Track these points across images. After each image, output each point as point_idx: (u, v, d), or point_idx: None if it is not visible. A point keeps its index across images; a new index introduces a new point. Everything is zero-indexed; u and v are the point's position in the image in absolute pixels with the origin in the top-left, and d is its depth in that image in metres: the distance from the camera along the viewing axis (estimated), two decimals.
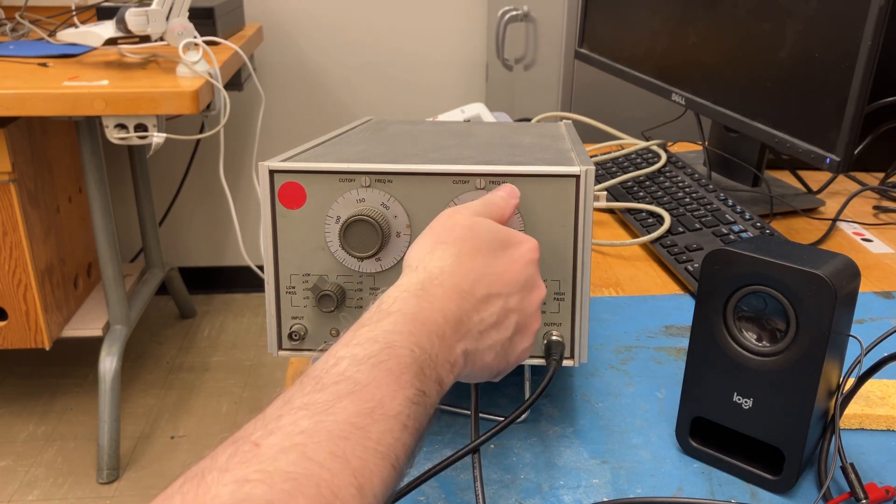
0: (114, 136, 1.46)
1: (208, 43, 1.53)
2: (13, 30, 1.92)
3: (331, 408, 0.35)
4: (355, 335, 0.40)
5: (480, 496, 0.49)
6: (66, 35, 1.55)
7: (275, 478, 0.31)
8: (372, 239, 0.54)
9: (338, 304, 0.56)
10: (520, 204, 0.55)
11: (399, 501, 0.51)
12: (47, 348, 1.75)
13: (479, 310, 0.46)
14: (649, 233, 0.95)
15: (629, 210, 1.02)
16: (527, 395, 0.63)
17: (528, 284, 0.50)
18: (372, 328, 0.41)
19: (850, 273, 0.53)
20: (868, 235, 1.02)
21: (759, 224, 0.93)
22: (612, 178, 1.11)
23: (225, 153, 1.92)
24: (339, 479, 0.32)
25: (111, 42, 1.54)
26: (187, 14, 1.52)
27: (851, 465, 0.52)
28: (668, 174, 1.09)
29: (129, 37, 1.53)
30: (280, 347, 0.59)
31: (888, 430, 0.62)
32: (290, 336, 0.58)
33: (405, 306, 0.43)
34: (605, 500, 0.54)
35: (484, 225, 0.50)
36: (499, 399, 0.65)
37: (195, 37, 1.50)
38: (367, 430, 0.35)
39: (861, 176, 1.24)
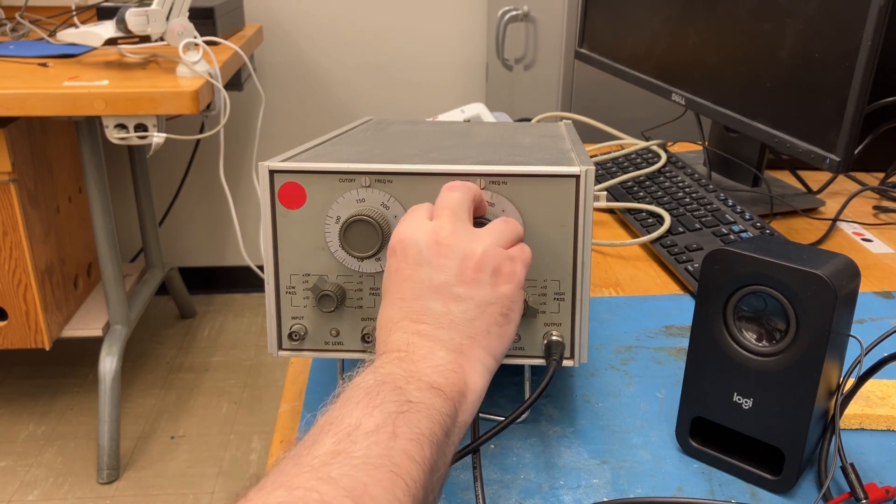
0: (114, 136, 1.46)
1: (208, 43, 1.53)
2: (13, 30, 1.92)
3: (309, 451, 0.35)
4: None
5: (480, 496, 0.49)
6: (66, 35, 1.55)
7: None
8: (372, 239, 0.54)
9: (338, 304, 0.56)
10: (520, 204, 0.55)
11: None
12: (47, 348, 1.75)
13: (448, 304, 0.46)
14: (649, 233, 0.95)
15: (629, 210, 1.02)
16: (527, 395, 0.63)
17: (462, 259, 0.47)
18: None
19: (850, 273, 0.53)
20: (868, 235, 1.02)
21: (759, 224, 0.93)
22: (612, 178, 1.11)
23: (225, 153, 1.92)
24: (330, 497, 0.32)
25: (111, 42, 1.54)
26: (187, 14, 1.52)
27: (851, 465, 0.52)
28: (668, 174, 1.09)
29: (129, 37, 1.53)
30: (280, 347, 0.59)
31: (888, 430, 0.62)
32: (290, 336, 0.58)
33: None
34: (605, 500, 0.54)
35: (410, 245, 0.48)
36: (499, 399, 0.65)
37: (195, 37, 1.50)
38: (348, 452, 0.35)
39: (861, 176, 1.24)
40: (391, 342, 0.45)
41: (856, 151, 0.81)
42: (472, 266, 0.47)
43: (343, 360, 0.64)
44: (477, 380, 0.45)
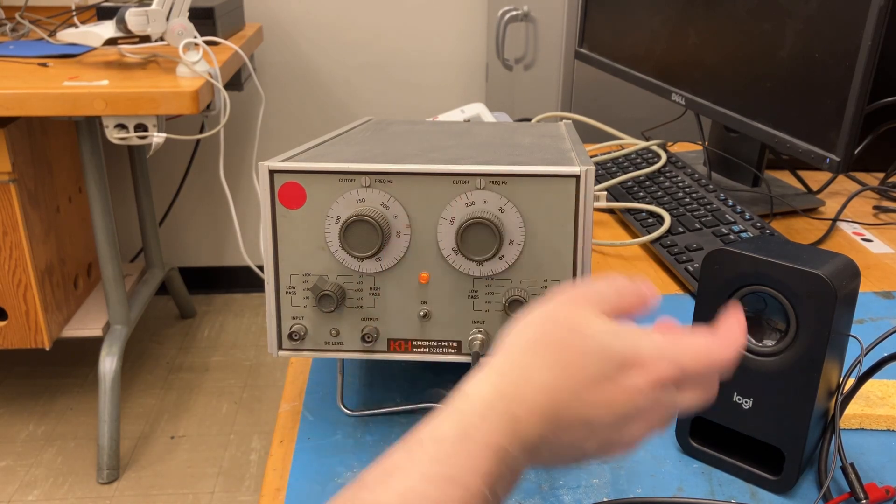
0: (114, 136, 1.46)
1: (208, 43, 1.53)
2: (13, 30, 1.92)
3: None
4: (427, 455, 0.35)
5: None
6: (66, 35, 1.55)
7: None
8: (372, 239, 0.54)
9: (338, 304, 0.56)
10: (520, 204, 0.55)
11: None
12: (47, 348, 1.75)
13: (559, 434, 0.38)
14: (649, 233, 0.95)
15: (629, 210, 1.02)
16: None
17: (629, 416, 0.39)
18: (447, 466, 0.35)
19: (850, 273, 0.53)
20: (868, 235, 1.02)
21: (759, 224, 0.93)
22: (612, 178, 1.11)
23: (225, 153, 1.92)
24: None
25: (111, 42, 1.54)
26: (187, 14, 1.52)
27: (851, 465, 0.52)
28: (668, 174, 1.09)
29: (129, 37, 1.53)
30: (280, 347, 0.59)
31: (888, 430, 0.62)
32: (290, 336, 0.58)
33: (490, 436, 0.36)
34: (605, 500, 0.54)
35: (597, 337, 0.39)
36: None
37: (195, 37, 1.50)
38: None
39: (861, 176, 1.24)
40: (535, 412, 0.37)
41: (856, 151, 0.81)
42: (632, 432, 0.40)
43: (343, 359, 0.64)
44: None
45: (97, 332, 1.85)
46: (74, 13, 1.86)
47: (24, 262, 1.65)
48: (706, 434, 0.58)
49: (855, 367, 0.56)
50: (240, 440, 1.93)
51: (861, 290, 0.65)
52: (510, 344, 0.40)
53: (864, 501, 0.50)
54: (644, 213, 1.00)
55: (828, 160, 0.82)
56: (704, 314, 0.55)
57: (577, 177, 0.54)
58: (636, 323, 0.44)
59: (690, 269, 0.86)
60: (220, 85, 1.53)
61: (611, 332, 0.40)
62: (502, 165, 0.55)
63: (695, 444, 0.58)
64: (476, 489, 0.34)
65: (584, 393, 0.38)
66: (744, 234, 0.91)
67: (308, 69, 2.40)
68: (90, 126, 1.63)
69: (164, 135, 1.47)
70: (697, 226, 0.94)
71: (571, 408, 0.38)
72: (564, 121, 0.89)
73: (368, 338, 0.58)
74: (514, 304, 0.56)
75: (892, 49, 0.80)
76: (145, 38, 1.56)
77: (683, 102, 1.09)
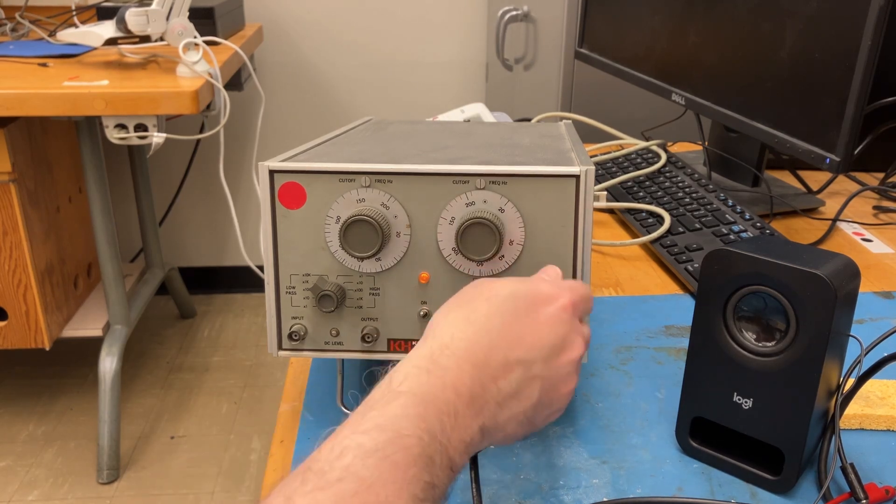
0: (114, 136, 1.46)
1: (208, 43, 1.53)
2: (13, 30, 1.92)
3: (331, 489, 0.34)
4: (363, 419, 0.39)
5: (477, 498, 0.49)
6: (66, 35, 1.55)
7: None
8: (372, 239, 0.54)
9: (338, 304, 0.56)
10: (520, 204, 0.55)
11: None
12: (47, 348, 1.75)
13: (496, 379, 0.43)
14: (649, 233, 0.95)
15: (629, 210, 1.02)
16: None
17: (556, 346, 0.46)
18: (380, 413, 0.39)
19: (850, 273, 0.53)
20: (868, 235, 1.02)
21: (759, 224, 0.93)
22: (612, 178, 1.11)
23: (225, 153, 1.92)
24: None
25: (111, 42, 1.54)
26: (187, 14, 1.52)
27: (851, 465, 0.52)
28: (668, 174, 1.09)
29: (129, 37, 1.53)
30: (280, 347, 0.59)
31: (888, 430, 0.62)
32: (290, 336, 0.58)
33: (415, 384, 0.40)
34: (605, 500, 0.54)
35: (504, 285, 0.47)
36: None
37: (195, 37, 1.50)
38: None
39: (861, 176, 1.24)
40: (465, 363, 0.42)
41: (856, 151, 0.81)
42: (565, 360, 0.46)
43: (343, 360, 0.64)
44: (465, 462, 0.43)
45: (97, 332, 1.85)
46: (74, 13, 1.86)
47: (24, 262, 1.65)
48: (706, 434, 0.58)
49: (855, 367, 0.56)
50: (240, 440, 1.93)
51: (861, 290, 0.65)
52: (434, 320, 0.46)
53: (864, 501, 0.50)
54: (644, 213, 1.00)
55: (828, 160, 0.82)
56: (704, 314, 0.55)
57: (577, 177, 0.54)
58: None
59: (690, 269, 0.86)
60: (220, 85, 1.53)
61: (513, 283, 0.47)
62: (502, 165, 0.55)
63: (695, 444, 0.58)
64: (409, 432, 0.37)
65: (507, 334, 0.44)
66: (744, 234, 0.91)
67: (308, 69, 2.40)
68: (90, 126, 1.63)
69: (164, 135, 1.47)
70: (697, 226, 0.94)
71: (499, 349, 0.43)
72: (564, 121, 0.89)
73: (368, 338, 0.58)
74: None
75: (892, 49, 0.80)
76: (145, 38, 1.56)
77: (683, 102, 1.09)
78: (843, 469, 0.52)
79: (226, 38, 1.76)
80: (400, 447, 0.37)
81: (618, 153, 1.19)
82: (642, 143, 1.21)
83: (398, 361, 0.44)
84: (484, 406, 0.42)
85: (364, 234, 0.54)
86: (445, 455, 0.39)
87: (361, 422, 0.38)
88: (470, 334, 0.44)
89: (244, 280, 2.53)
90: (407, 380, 0.41)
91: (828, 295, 0.49)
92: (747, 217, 0.94)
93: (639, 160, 1.16)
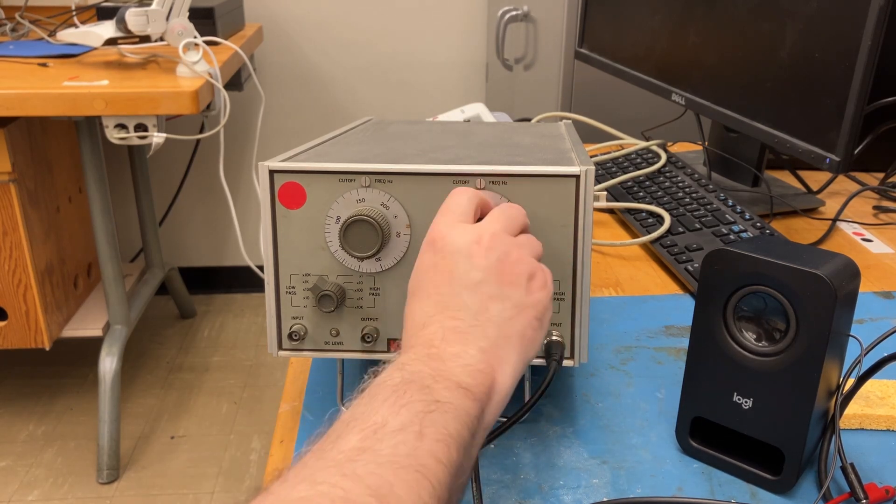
0: (114, 136, 1.46)
1: (208, 43, 1.53)
2: (13, 30, 1.92)
3: (334, 446, 0.35)
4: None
5: (477, 498, 0.49)
6: (66, 35, 1.55)
7: None
8: (372, 239, 0.54)
9: (338, 304, 0.56)
10: (520, 204, 0.54)
11: None
12: (47, 348, 1.75)
13: (486, 302, 0.46)
14: (649, 233, 0.95)
15: (629, 210, 1.02)
16: (527, 395, 0.63)
17: (501, 260, 0.48)
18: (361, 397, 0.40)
19: (850, 273, 0.53)
20: (868, 235, 1.02)
21: (759, 224, 0.93)
22: (612, 178, 1.11)
23: (225, 153, 1.92)
24: (353, 494, 0.32)
25: (111, 42, 1.54)
26: (187, 14, 1.52)
27: (851, 465, 0.52)
28: (668, 174, 1.09)
29: (129, 37, 1.53)
30: (280, 347, 0.59)
31: (888, 430, 0.62)
32: (290, 336, 0.58)
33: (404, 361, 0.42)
34: (605, 500, 0.54)
35: (422, 258, 0.49)
36: None
37: (195, 37, 1.50)
38: (374, 450, 0.34)
39: (861, 176, 1.24)
40: (423, 336, 0.44)
41: (856, 151, 0.81)
42: (510, 269, 0.47)
43: (343, 360, 0.64)
44: (505, 380, 0.44)
45: (97, 332, 1.85)
46: (74, 13, 1.86)
47: (24, 262, 1.65)
48: (706, 434, 0.58)
49: (855, 367, 0.56)
50: (240, 440, 1.93)
51: (861, 290, 0.65)
52: (416, 309, 0.47)
53: (864, 501, 0.50)
54: (644, 213, 1.00)
55: (828, 160, 0.82)
56: (704, 314, 0.55)
57: (577, 177, 0.54)
58: None
59: (690, 269, 0.86)
60: (220, 85, 1.53)
61: (456, 231, 0.48)
62: (502, 165, 0.55)
63: (695, 444, 0.58)
64: (388, 375, 0.40)
65: (443, 286, 0.46)
66: (744, 234, 0.91)
67: (308, 69, 2.40)
68: (90, 126, 1.63)
69: (164, 135, 1.47)
70: (697, 226, 0.94)
71: (436, 296, 0.46)
72: (564, 121, 0.89)
73: (368, 338, 0.58)
74: None
75: (892, 49, 0.80)
76: (145, 38, 1.56)
77: (683, 102, 1.09)
78: (843, 469, 0.52)
79: (226, 38, 1.76)
80: (383, 387, 0.39)
81: (618, 153, 1.19)
82: (642, 143, 1.21)
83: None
84: (467, 334, 0.44)
85: (364, 234, 0.54)
86: (446, 380, 0.40)
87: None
88: (454, 324, 0.45)
89: (244, 280, 2.53)
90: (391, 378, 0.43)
91: (828, 295, 0.49)
92: (747, 217, 0.94)
93: (639, 160, 1.16)
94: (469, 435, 0.39)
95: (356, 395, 0.40)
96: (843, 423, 0.61)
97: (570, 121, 0.91)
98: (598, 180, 1.12)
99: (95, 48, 1.68)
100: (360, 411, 0.37)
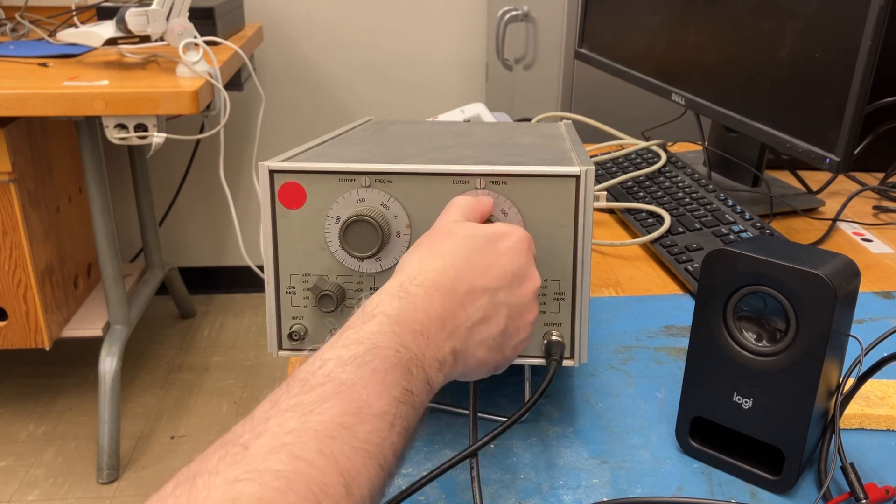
0: (114, 136, 1.46)
1: (208, 43, 1.53)
2: (13, 30, 1.92)
3: (317, 408, 0.35)
4: (340, 338, 0.41)
5: (478, 498, 0.49)
6: (66, 35, 1.55)
7: (265, 476, 0.31)
8: (372, 239, 0.54)
9: (338, 304, 0.56)
10: (520, 204, 0.55)
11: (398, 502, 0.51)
12: (47, 348, 1.75)
13: (465, 305, 0.46)
14: (649, 233, 0.95)
15: (629, 210, 1.02)
16: (527, 395, 0.63)
17: (517, 275, 0.49)
18: (356, 330, 0.41)
19: (850, 273, 0.53)
20: (868, 235, 1.02)
21: (759, 224, 0.93)
22: (612, 178, 1.11)
23: (225, 153, 1.92)
24: (328, 478, 0.33)
25: (111, 42, 1.54)
26: (187, 14, 1.52)
27: (851, 465, 0.52)
28: (667, 174, 1.09)
29: (129, 37, 1.53)
30: (280, 347, 0.59)
31: (888, 430, 0.62)
32: (290, 336, 0.58)
33: (388, 308, 0.43)
34: (605, 500, 0.54)
35: (464, 226, 0.50)
36: (499, 399, 0.65)
37: (195, 37, 1.50)
38: (353, 430, 0.35)
39: (861, 176, 1.24)
40: (434, 291, 0.45)
41: (856, 151, 0.81)
42: (527, 290, 0.50)
43: None
44: (442, 382, 0.45)
45: (97, 332, 1.85)
46: (74, 13, 1.86)
47: (24, 262, 1.65)
48: (706, 434, 0.58)
49: (855, 367, 0.56)
50: None
51: (861, 290, 0.65)
52: (401, 261, 0.49)
53: (864, 501, 0.50)
54: (644, 213, 1.00)
55: (828, 160, 0.82)
56: (704, 314, 0.55)
57: (577, 177, 0.54)
58: None
59: (690, 269, 0.86)
60: (220, 85, 1.53)
61: (471, 225, 0.51)
62: (502, 165, 0.55)
63: (695, 444, 0.58)
64: (385, 344, 0.40)
65: (471, 265, 0.47)
66: (744, 234, 0.91)
67: (308, 69, 2.40)
68: (90, 126, 1.63)
69: (164, 135, 1.47)
70: (697, 226, 0.94)
71: (465, 278, 0.47)
72: (564, 121, 0.89)
73: None
74: None
75: (892, 49, 0.80)
76: (145, 38, 1.56)
77: (683, 102, 1.09)
78: (843, 469, 0.52)
79: (226, 38, 1.76)
80: (377, 356, 0.39)
81: (618, 153, 1.19)
82: (642, 143, 1.21)
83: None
84: (455, 330, 0.45)
85: (364, 234, 0.54)
86: (422, 369, 0.41)
87: (339, 339, 0.41)
88: (437, 266, 0.47)
89: (244, 280, 2.53)
90: (380, 305, 0.43)
91: (828, 295, 0.49)
92: (747, 217, 0.94)
93: (639, 160, 1.16)
94: (419, 427, 0.41)
95: (341, 331, 0.42)
96: (843, 423, 0.61)
97: (570, 121, 0.91)
98: (598, 180, 1.12)
99: (95, 48, 1.68)
100: (349, 375, 0.38)
